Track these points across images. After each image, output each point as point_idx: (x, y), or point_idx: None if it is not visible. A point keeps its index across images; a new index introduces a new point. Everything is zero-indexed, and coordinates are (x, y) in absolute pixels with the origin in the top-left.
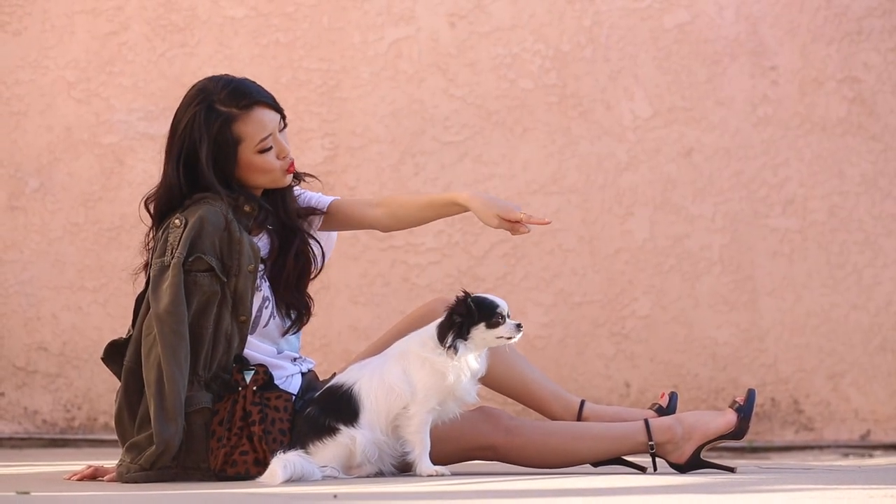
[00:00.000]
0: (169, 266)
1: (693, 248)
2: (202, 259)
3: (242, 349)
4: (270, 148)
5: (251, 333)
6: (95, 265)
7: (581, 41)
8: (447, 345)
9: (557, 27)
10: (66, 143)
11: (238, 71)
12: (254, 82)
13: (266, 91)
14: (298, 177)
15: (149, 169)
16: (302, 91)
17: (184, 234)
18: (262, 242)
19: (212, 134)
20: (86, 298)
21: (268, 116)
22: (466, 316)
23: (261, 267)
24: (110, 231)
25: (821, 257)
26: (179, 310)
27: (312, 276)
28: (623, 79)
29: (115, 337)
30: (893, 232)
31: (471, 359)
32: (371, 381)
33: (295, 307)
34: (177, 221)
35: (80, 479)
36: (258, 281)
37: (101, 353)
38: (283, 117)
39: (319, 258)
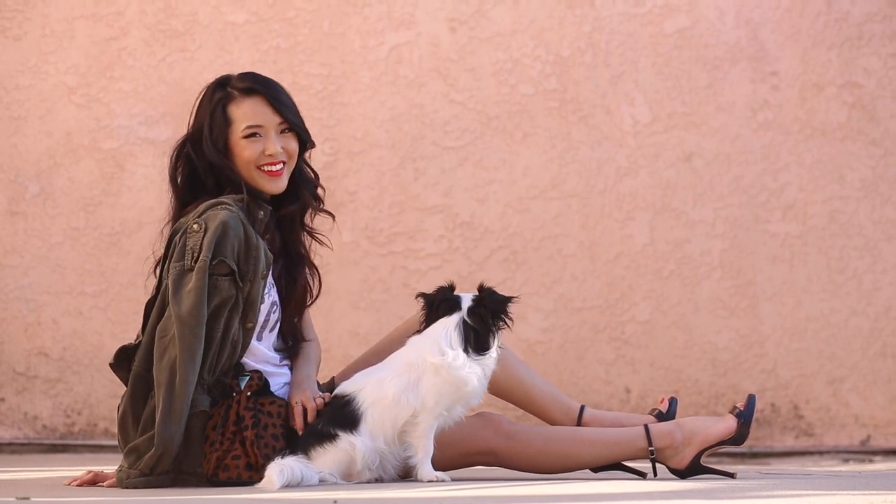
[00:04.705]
0: (191, 270)
1: (693, 254)
2: (224, 263)
3: (243, 356)
4: (256, 137)
5: (259, 340)
6: (96, 270)
7: (581, 46)
8: (497, 346)
9: (558, 32)
10: (66, 148)
11: None
12: (277, 83)
13: (284, 95)
14: (309, 206)
15: (149, 174)
16: (302, 96)
17: (206, 238)
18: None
19: (212, 109)
20: (86, 303)
21: (265, 110)
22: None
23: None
24: (111, 236)
25: (821, 262)
26: (201, 313)
27: (308, 304)
28: (623, 84)
29: (115, 341)
30: (893, 237)
31: (494, 359)
32: (376, 394)
33: (291, 333)
34: (195, 227)
35: (80, 485)
36: (268, 286)
37: (101, 357)
38: (291, 126)
39: (316, 289)
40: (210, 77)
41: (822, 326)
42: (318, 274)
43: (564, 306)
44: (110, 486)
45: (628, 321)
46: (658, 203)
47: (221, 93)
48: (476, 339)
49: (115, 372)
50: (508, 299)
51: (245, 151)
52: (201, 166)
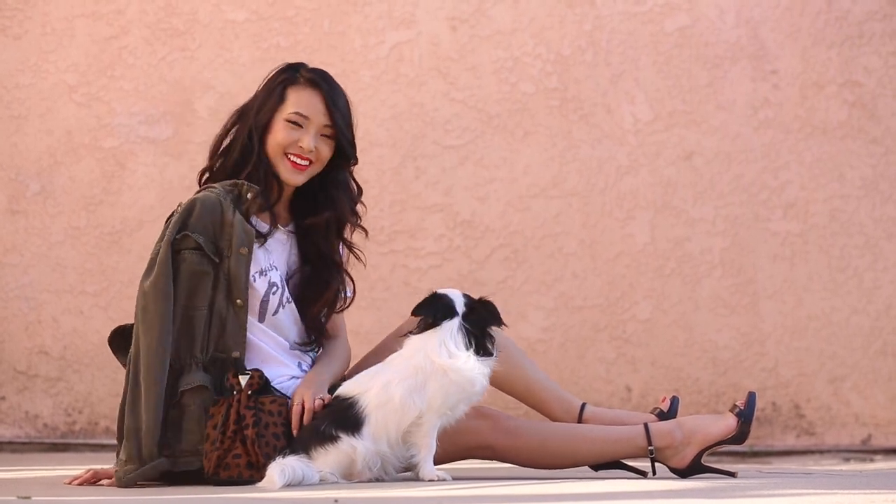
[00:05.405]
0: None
1: (694, 252)
2: (189, 237)
3: (243, 335)
4: (298, 126)
5: (261, 321)
6: (96, 269)
7: (582, 45)
8: (496, 350)
9: (558, 31)
10: (66, 147)
11: (238, 75)
12: (343, 92)
13: (343, 102)
14: (346, 219)
15: (150, 172)
16: None
17: (177, 216)
18: (284, 249)
19: (273, 85)
20: (87, 302)
21: (319, 107)
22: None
23: (272, 257)
24: (111, 235)
25: (821, 261)
26: (161, 283)
27: (339, 309)
28: (624, 82)
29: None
30: (894, 235)
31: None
32: (381, 397)
33: (314, 329)
34: (178, 209)
35: (81, 484)
36: (265, 267)
37: (101, 356)
38: (337, 133)
39: (350, 295)
40: (210, 75)
41: (823, 325)
42: (353, 283)
43: (565, 305)
44: (112, 485)
45: (629, 320)
46: (659, 201)
47: (288, 74)
48: (477, 341)
49: (112, 350)
50: (498, 321)
51: (281, 133)
52: (239, 137)
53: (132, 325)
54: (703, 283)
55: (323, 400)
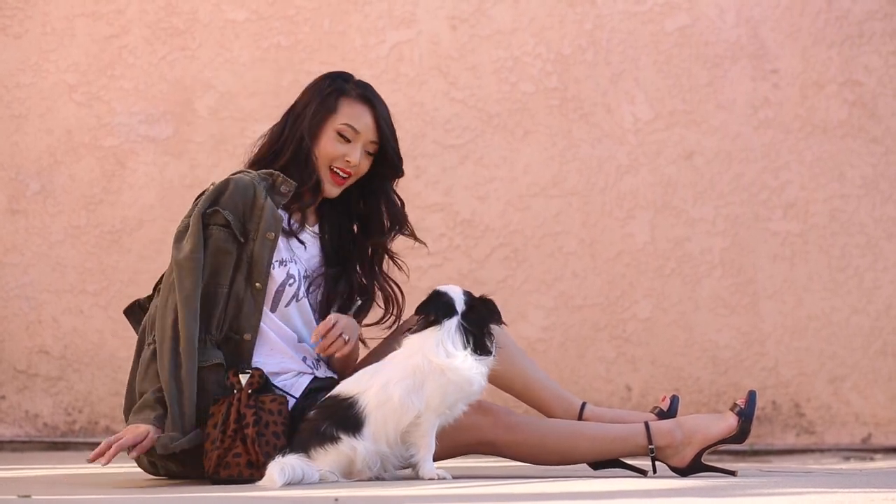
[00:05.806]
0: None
1: (694, 252)
2: (219, 213)
3: (258, 319)
4: (346, 139)
5: (273, 311)
6: (97, 268)
7: (582, 44)
8: (495, 349)
9: (558, 30)
10: (66, 146)
11: (239, 74)
12: (389, 110)
13: (388, 116)
14: (400, 232)
15: (150, 171)
16: None
17: (210, 192)
18: (307, 248)
19: (323, 94)
20: (87, 301)
21: (369, 123)
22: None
23: (294, 249)
24: (111, 234)
25: (822, 260)
26: (197, 256)
27: (386, 319)
28: (624, 82)
29: (116, 339)
30: (894, 235)
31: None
32: (380, 396)
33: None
34: (210, 187)
35: (112, 457)
36: (286, 258)
37: (101, 356)
38: (383, 149)
39: (390, 316)
40: (210, 75)
41: (823, 325)
42: (402, 293)
43: (565, 304)
44: (142, 451)
45: (629, 319)
46: (659, 201)
47: (339, 84)
48: (476, 340)
49: (129, 322)
50: (498, 318)
51: (329, 145)
52: (289, 141)
53: (147, 297)
54: (703, 282)
55: (345, 341)
